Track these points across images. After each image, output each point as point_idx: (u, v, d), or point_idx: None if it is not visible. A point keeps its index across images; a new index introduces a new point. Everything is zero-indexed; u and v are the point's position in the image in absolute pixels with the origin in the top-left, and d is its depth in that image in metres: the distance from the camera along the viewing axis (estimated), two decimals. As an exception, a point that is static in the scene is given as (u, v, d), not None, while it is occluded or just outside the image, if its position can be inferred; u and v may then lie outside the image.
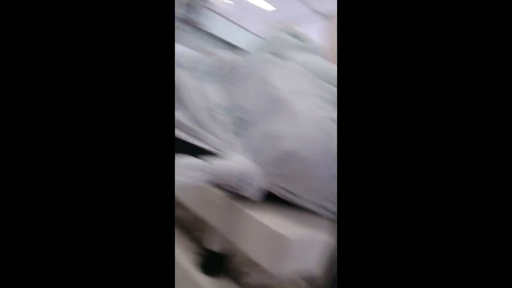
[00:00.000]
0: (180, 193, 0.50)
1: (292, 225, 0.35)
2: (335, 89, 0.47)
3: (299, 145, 0.34)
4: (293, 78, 0.39)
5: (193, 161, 0.36)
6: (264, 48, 0.60)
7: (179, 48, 0.52)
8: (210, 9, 2.15)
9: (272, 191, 0.40)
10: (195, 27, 2.07)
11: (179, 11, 1.94)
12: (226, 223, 0.39)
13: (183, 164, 0.36)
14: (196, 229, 0.55)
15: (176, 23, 1.95)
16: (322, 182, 0.37)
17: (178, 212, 0.62)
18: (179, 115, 0.49)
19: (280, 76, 0.39)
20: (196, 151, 0.43)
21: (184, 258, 0.45)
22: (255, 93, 0.41)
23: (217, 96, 0.46)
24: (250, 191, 0.37)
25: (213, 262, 0.42)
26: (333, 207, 0.39)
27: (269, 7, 3.70)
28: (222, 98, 0.45)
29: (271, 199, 0.42)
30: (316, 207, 0.42)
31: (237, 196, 0.40)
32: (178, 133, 0.48)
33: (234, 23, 2.45)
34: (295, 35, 0.61)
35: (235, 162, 0.36)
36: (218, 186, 0.40)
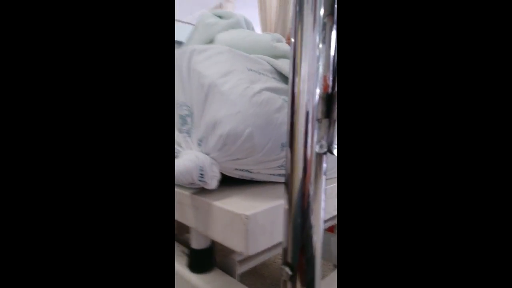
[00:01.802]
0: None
1: (256, 202, 0.36)
2: (267, 57, 0.47)
3: (235, 124, 0.34)
4: (216, 60, 0.38)
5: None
6: (196, 38, 0.59)
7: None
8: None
9: (230, 174, 0.41)
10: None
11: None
12: (197, 220, 0.40)
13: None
14: (180, 232, 0.55)
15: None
16: (272, 152, 0.38)
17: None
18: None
19: (203, 62, 0.39)
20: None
21: (175, 262, 0.46)
22: (190, 87, 0.40)
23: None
24: (211, 182, 0.38)
25: (200, 259, 0.43)
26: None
27: None
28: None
29: (232, 182, 0.43)
30: (274, 177, 0.43)
31: (200, 190, 0.40)
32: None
33: (180, 21, 2.39)
34: (219, 15, 0.60)
35: (188, 159, 0.37)
36: (181, 186, 0.41)
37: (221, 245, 0.37)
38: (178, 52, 0.45)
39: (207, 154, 0.37)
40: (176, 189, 0.42)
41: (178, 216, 0.44)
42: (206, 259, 0.43)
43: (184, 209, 0.41)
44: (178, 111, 0.42)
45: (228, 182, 0.42)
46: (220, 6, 3.27)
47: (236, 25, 0.57)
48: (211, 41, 0.62)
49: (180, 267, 0.44)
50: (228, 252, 0.44)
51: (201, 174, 0.37)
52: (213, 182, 0.38)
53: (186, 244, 0.51)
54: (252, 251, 0.32)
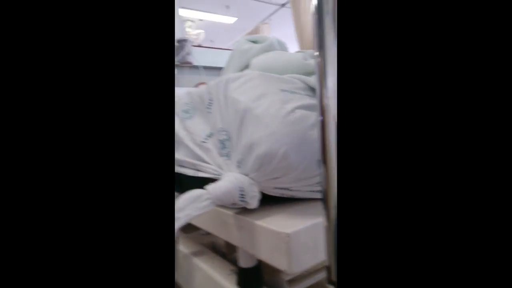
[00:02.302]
0: (198, 223, 0.53)
1: (297, 219, 0.36)
2: (299, 76, 0.48)
3: (270, 144, 0.35)
4: (249, 85, 0.41)
5: (194, 194, 0.39)
6: (233, 64, 0.63)
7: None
8: (193, 45, 2.26)
9: (270, 193, 0.42)
10: (191, 66, 2.19)
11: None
12: (242, 239, 0.41)
13: (186, 198, 0.39)
14: (229, 251, 0.57)
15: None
16: (310, 169, 0.38)
17: (211, 239, 0.65)
18: (181, 156, 0.53)
19: (238, 89, 0.41)
20: (200, 182, 0.47)
21: (224, 280, 0.47)
22: (227, 113, 0.43)
23: (200, 128, 0.49)
24: (252, 202, 0.39)
25: (248, 278, 0.44)
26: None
27: (231, 19, 3.81)
28: (203, 128, 0.49)
29: (273, 201, 0.43)
30: (315, 194, 0.43)
31: (242, 209, 0.42)
32: (180, 169, 0.52)
33: (211, 47, 2.56)
34: (254, 40, 0.63)
35: (228, 181, 0.39)
36: (224, 206, 0.43)
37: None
38: (214, 81, 0.48)
39: (246, 175, 0.39)
40: (220, 209, 0.44)
41: (225, 236, 0.46)
42: (254, 277, 0.44)
43: (230, 228, 0.43)
44: (217, 137, 0.45)
45: (270, 201, 0.43)
46: (257, 29, 3.41)
47: (269, 48, 0.60)
48: (247, 66, 0.65)
49: (230, 286, 0.45)
50: (276, 271, 0.44)
51: (242, 195, 0.38)
52: (253, 202, 0.39)
53: (234, 263, 0.53)
54: (295, 269, 0.32)
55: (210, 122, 0.48)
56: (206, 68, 2.28)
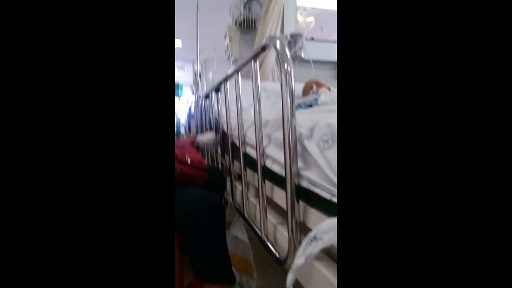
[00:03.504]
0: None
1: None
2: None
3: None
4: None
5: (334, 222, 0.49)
6: None
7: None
8: (305, 38, 2.28)
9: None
10: (304, 62, 2.24)
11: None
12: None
13: (332, 224, 0.49)
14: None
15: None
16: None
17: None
18: (315, 177, 0.63)
19: None
20: (336, 207, 0.56)
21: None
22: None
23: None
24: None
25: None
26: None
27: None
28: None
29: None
30: None
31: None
32: (320, 192, 0.62)
33: (323, 41, 2.49)
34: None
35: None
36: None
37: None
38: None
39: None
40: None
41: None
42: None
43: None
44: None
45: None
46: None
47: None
48: None
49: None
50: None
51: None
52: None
53: None
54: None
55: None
56: (317, 62, 2.30)
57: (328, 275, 0.62)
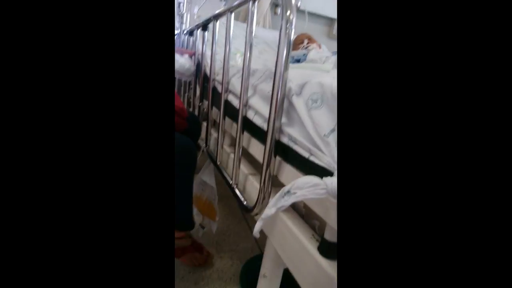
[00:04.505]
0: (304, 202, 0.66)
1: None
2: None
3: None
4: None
5: (313, 180, 0.50)
6: None
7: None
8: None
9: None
10: (298, 11, 2.11)
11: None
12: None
13: (306, 182, 0.51)
14: (308, 215, 0.70)
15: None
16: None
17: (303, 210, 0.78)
18: (297, 134, 0.63)
19: None
20: (313, 167, 0.57)
21: (308, 242, 0.61)
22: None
23: (325, 121, 0.57)
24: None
25: (331, 248, 0.56)
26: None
27: None
28: (328, 122, 0.57)
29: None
30: None
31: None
32: (298, 149, 0.63)
33: None
34: None
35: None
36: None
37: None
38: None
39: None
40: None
41: (318, 210, 0.58)
42: (334, 252, 0.57)
43: (326, 206, 0.55)
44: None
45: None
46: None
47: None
48: None
49: (313, 250, 0.59)
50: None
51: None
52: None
53: (313, 228, 0.66)
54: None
55: (336, 118, 0.56)
56: (312, 15, 2.19)
57: (291, 225, 0.67)
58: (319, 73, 0.73)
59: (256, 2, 0.75)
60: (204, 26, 1.25)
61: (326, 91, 0.58)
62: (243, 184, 0.92)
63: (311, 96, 0.61)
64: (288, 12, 0.57)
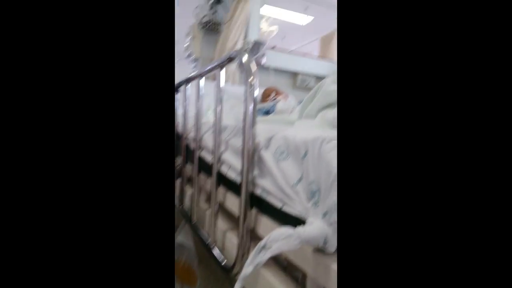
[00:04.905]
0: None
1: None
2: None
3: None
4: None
5: (286, 232, 0.51)
6: (315, 102, 0.73)
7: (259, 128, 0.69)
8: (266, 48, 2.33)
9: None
10: (263, 68, 2.29)
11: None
12: (315, 273, 0.52)
13: (280, 234, 0.51)
14: (289, 265, 0.69)
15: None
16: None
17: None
18: (269, 185, 0.65)
19: (330, 152, 0.51)
20: (287, 216, 0.58)
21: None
22: (319, 170, 0.54)
23: (293, 171, 0.60)
24: (331, 249, 0.50)
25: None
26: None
27: (306, 20, 3.75)
28: (296, 172, 0.60)
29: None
30: None
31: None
32: (272, 200, 0.64)
33: (285, 52, 2.61)
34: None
35: (316, 228, 0.50)
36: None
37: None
38: (311, 137, 0.59)
39: (330, 225, 0.50)
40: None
41: (300, 263, 0.58)
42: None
43: (307, 259, 0.54)
44: (308, 186, 0.56)
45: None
46: (331, 35, 3.35)
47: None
48: (329, 105, 0.75)
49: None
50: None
51: (325, 242, 0.49)
52: (333, 249, 0.50)
53: (296, 280, 0.65)
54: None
55: (303, 170, 0.59)
56: (277, 70, 2.38)
57: (273, 281, 0.65)
58: (284, 126, 0.79)
59: (223, 70, 0.83)
60: (176, 89, 1.32)
61: (290, 144, 0.62)
62: (221, 241, 0.89)
63: (278, 149, 0.65)
64: (251, 78, 0.64)
